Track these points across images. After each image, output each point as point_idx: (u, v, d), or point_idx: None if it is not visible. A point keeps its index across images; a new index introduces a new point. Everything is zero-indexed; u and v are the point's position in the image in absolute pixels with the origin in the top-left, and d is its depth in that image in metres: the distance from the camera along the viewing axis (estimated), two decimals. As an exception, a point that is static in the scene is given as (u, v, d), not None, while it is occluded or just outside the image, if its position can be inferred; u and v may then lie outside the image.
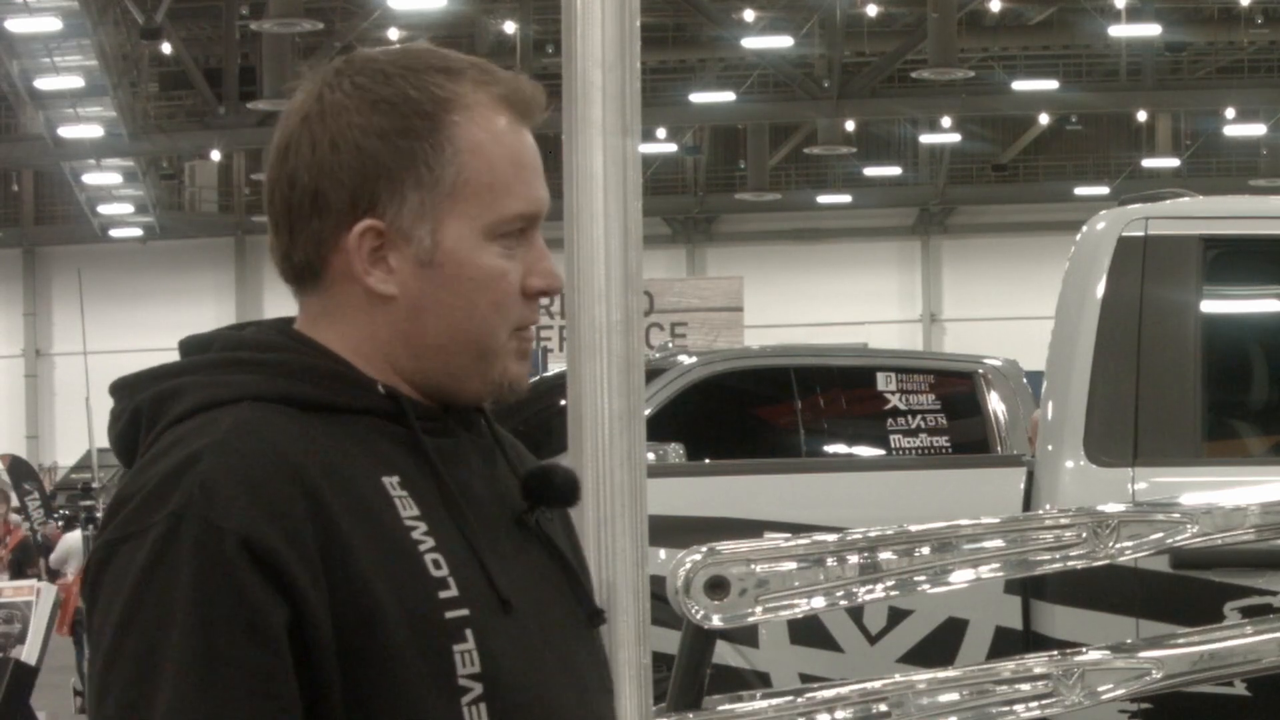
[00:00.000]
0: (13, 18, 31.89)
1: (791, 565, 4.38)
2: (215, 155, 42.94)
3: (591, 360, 3.14)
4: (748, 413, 10.42)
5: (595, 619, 2.07)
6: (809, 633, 5.45)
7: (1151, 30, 36.86)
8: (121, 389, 2.00)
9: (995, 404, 9.95)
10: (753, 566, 4.35)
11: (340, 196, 1.94)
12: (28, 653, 9.05)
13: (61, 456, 41.36)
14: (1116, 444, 5.45)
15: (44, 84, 35.06)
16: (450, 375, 1.98)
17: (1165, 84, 40.52)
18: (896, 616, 5.47)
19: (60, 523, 23.63)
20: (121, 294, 42.21)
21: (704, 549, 4.34)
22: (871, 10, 38.42)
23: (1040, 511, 5.22)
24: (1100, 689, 4.51)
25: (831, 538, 4.45)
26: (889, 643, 5.48)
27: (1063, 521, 4.52)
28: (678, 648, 4.42)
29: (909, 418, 10.03)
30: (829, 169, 44.48)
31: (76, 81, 34.67)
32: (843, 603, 4.51)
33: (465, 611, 1.89)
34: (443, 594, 1.88)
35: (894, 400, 10.06)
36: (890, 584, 4.45)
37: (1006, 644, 5.39)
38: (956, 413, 10.09)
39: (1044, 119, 43.36)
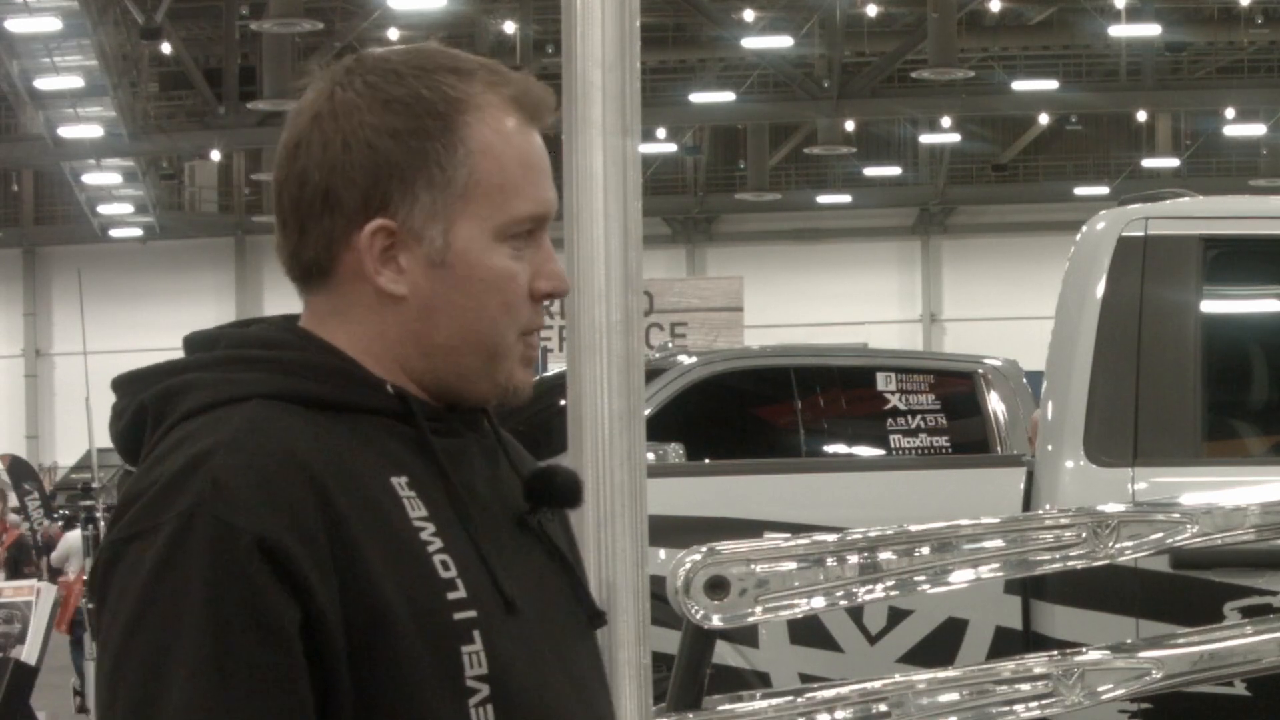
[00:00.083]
0: (13, 18, 31.89)
1: (791, 565, 4.38)
2: (215, 155, 42.95)
3: (591, 360, 3.14)
4: (748, 413, 10.42)
5: (596, 620, 2.07)
6: (809, 633, 5.45)
7: (1151, 30, 36.86)
8: (125, 385, 1.99)
9: (995, 404, 9.95)
10: (753, 566, 4.35)
11: (352, 195, 1.94)
12: (28, 653, 9.04)
13: (61, 456, 41.37)
14: (1116, 444, 5.45)
15: (44, 84, 35.06)
16: (458, 376, 1.98)
17: (1165, 84, 40.52)
18: (896, 616, 5.46)
19: (60, 523, 23.64)
20: (121, 294, 42.21)
21: (704, 549, 4.34)
22: (871, 10, 38.42)
23: (1040, 511, 5.21)
24: (1100, 689, 4.51)
25: (831, 538, 4.45)
26: (889, 643, 5.47)
27: (1063, 521, 4.52)
28: (678, 648, 4.42)
29: (909, 418, 10.03)
30: (829, 169, 44.48)
31: (76, 81, 34.68)
32: (843, 603, 4.51)
33: (473, 613, 1.89)
34: (451, 595, 1.88)
35: (894, 400, 10.06)
36: (890, 584, 4.45)
37: (1006, 644, 5.39)
38: (956, 413, 10.09)
39: (1044, 119, 43.36)
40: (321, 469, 1.86)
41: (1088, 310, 5.57)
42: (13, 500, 23.72)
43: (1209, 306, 5.63)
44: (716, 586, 4.31)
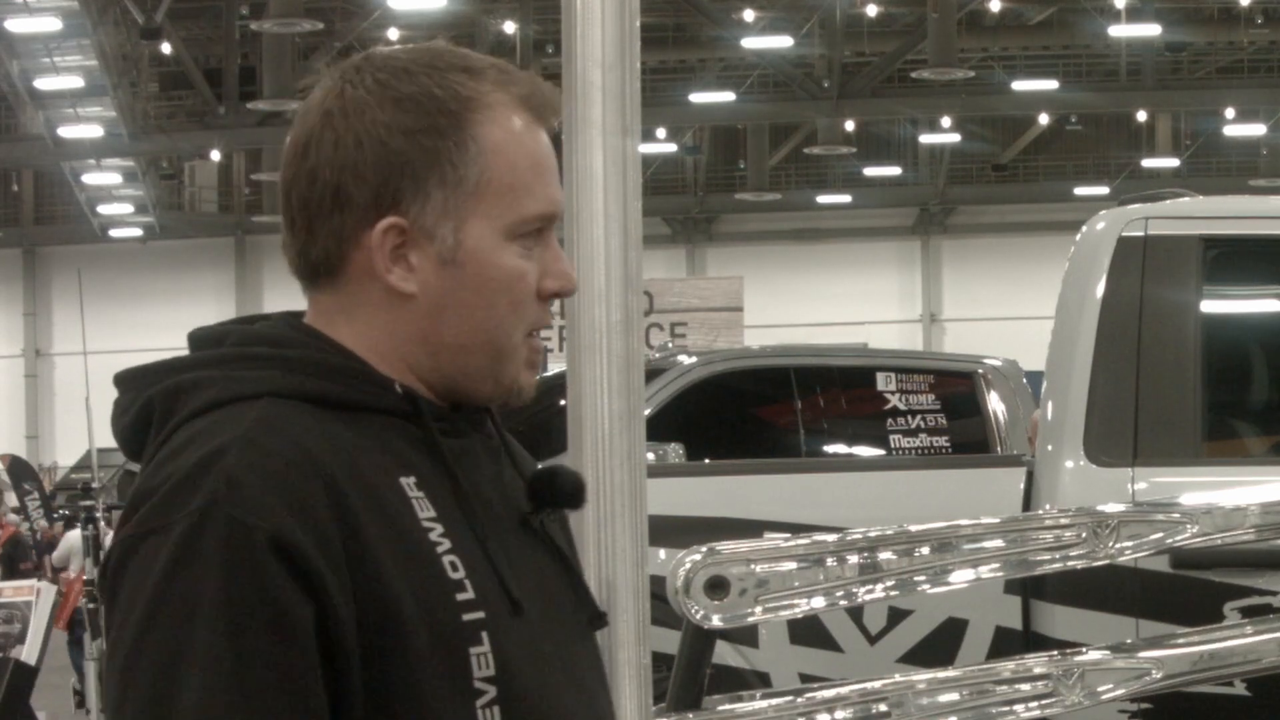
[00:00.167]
0: (13, 18, 31.89)
1: (791, 565, 4.38)
2: (215, 155, 42.94)
3: (591, 360, 3.14)
4: (748, 413, 10.42)
5: (597, 622, 2.07)
6: (809, 633, 5.45)
7: (1151, 30, 36.86)
8: (129, 381, 1.98)
9: (995, 404, 9.95)
10: (753, 566, 4.35)
11: (363, 193, 1.93)
12: (28, 653, 9.04)
13: (61, 456, 41.36)
14: (1116, 444, 5.45)
15: (44, 84, 35.07)
16: (465, 375, 1.98)
17: (1165, 84, 40.52)
18: (896, 616, 5.46)
19: (61, 522, 23.63)
20: (121, 294, 42.20)
21: (704, 549, 4.34)
22: (871, 10, 38.42)
23: (1040, 511, 5.21)
24: (1100, 689, 4.51)
25: (831, 538, 4.45)
26: (889, 643, 5.47)
27: (1063, 521, 4.52)
28: (678, 648, 4.42)
29: (909, 418, 10.03)
30: (829, 169, 44.48)
31: (76, 81, 34.68)
32: (843, 603, 4.51)
33: (481, 614, 1.88)
34: (460, 596, 1.88)
35: (894, 400, 10.06)
36: (890, 584, 4.45)
37: (1006, 644, 5.39)
38: (956, 413, 10.09)
39: (1044, 119, 43.35)
40: (334, 468, 1.85)
41: (1088, 310, 5.56)
42: (13, 500, 23.73)
43: (1209, 306, 5.63)
44: (716, 586, 4.31)
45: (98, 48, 33.25)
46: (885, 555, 4.43)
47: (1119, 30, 36.95)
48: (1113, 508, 4.59)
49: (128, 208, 42.41)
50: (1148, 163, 43.14)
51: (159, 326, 37.44)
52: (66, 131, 36.82)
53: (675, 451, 8.15)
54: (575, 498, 2.07)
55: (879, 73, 38.16)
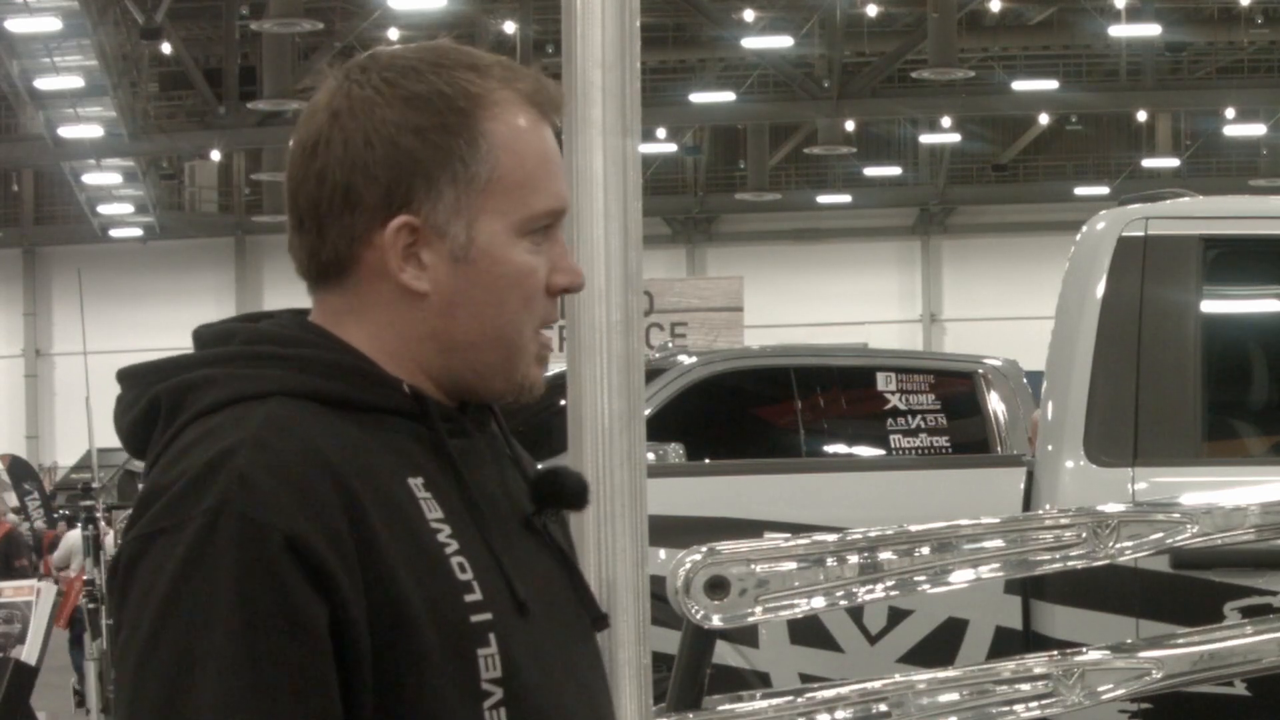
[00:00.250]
0: (13, 18, 31.89)
1: (791, 565, 4.38)
2: (215, 155, 42.95)
3: (591, 360, 3.15)
4: (748, 413, 10.41)
5: (600, 623, 2.07)
6: (809, 633, 5.45)
7: (1151, 30, 36.86)
8: (134, 377, 1.97)
9: (995, 404, 9.96)
10: (753, 566, 4.35)
11: (374, 192, 1.92)
12: (28, 653, 9.05)
13: (61, 456, 41.37)
14: (1116, 444, 5.45)
15: (44, 84, 35.07)
16: (476, 373, 1.97)
17: (1165, 84, 40.52)
18: (896, 616, 5.46)
19: (62, 521, 23.64)
20: (121, 294, 42.21)
21: (704, 549, 4.34)
22: (871, 10, 38.42)
23: (1040, 511, 5.21)
24: (1100, 689, 4.51)
25: (831, 538, 4.45)
26: (889, 643, 5.47)
27: (1063, 521, 4.52)
28: (678, 648, 4.42)
29: (909, 418, 10.03)
30: (829, 169, 44.48)
31: (76, 81, 34.68)
32: (843, 603, 4.51)
33: (489, 616, 1.88)
34: (468, 598, 1.87)
35: (894, 400, 10.06)
36: (890, 584, 4.45)
37: (1006, 644, 5.39)
38: (956, 413, 10.09)
39: (1044, 119, 43.36)
40: (345, 468, 1.85)
41: (1088, 310, 5.57)
42: (13, 500, 23.73)
43: (1209, 306, 5.63)
44: (716, 586, 4.31)
45: (98, 48, 33.25)
46: (885, 555, 4.43)
47: (1119, 30, 36.95)
48: (1113, 508, 4.59)
49: (128, 208, 42.42)
50: (1148, 163, 43.14)
51: (159, 326, 37.44)
52: (66, 131, 36.82)
53: (675, 451, 8.15)
54: (580, 499, 2.07)
55: (879, 73, 38.16)
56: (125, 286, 43.01)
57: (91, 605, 10.83)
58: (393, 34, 36.27)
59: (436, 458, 1.94)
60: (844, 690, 4.51)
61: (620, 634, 3.10)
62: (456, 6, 35.49)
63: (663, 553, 4.82)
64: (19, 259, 45.98)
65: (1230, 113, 40.78)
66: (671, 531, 5.08)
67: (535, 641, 1.93)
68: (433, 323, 1.95)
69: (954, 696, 4.50)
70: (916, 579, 4.47)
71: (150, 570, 1.80)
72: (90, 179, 40.68)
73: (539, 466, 2.09)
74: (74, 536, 16.34)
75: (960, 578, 4.49)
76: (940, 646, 5.41)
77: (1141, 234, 5.61)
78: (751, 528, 5.37)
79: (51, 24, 32.28)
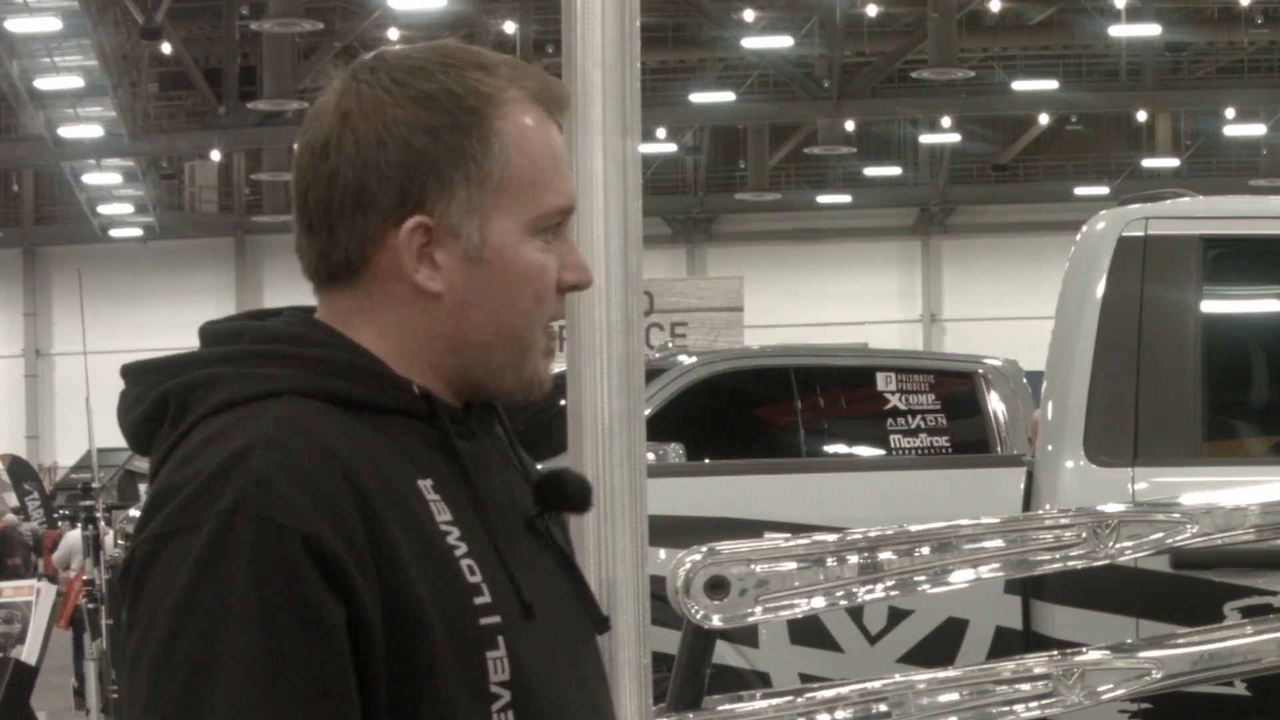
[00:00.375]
0: (13, 18, 31.89)
1: (791, 565, 4.38)
2: (215, 155, 42.95)
3: (591, 360, 3.15)
4: (748, 413, 10.42)
5: (601, 626, 2.07)
6: (809, 633, 5.45)
7: (1151, 30, 36.86)
8: (140, 374, 1.95)
9: (995, 404, 9.96)
10: (753, 566, 4.35)
11: (387, 193, 1.91)
12: (28, 653, 9.06)
13: (61, 456, 41.37)
14: (1116, 444, 5.45)
15: (44, 84, 35.06)
16: (487, 371, 1.97)
17: (1165, 84, 40.52)
18: (896, 616, 5.47)
19: (63, 522, 23.65)
20: (121, 294, 42.21)
21: (704, 549, 4.34)
22: (871, 10, 38.42)
23: (1040, 511, 5.21)
24: (1100, 689, 4.51)
25: (831, 538, 4.45)
26: (889, 643, 5.47)
27: (1063, 521, 4.52)
28: (678, 648, 4.42)
29: (909, 418, 10.04)
30: (829, 169, 44.48)
31: (76, 81, 34.68)
32: (843, 603, 4.51)
33: (497, 618, 1.88)
34: (477, 600, 1.87)
35: (894, 400, 10.06)
36: (890, 584, 4.45)
37: (1006, 644, 5.39)
38: (956, 413, 10.09)
39: (1044, 119, 43.36)
40: (358, 468, 1.84)
41: (1088, 310, 5.57)
42: (12, 500, 23.74)
43: (1209, 306, 5.63)
44: (716, 586, 4.31)
45: (98, 48, 33.25)
46: (885, 555, 4.43)
47: (1119, 30, 36.95)
48: (1113, 508, 4.59)
49: (128, 208, 42.42)
50: (1148, 163, 43.14)
51: (159, 326, 37.48)
52: (66, 131, 36.82)
53: (675, 451, 8.15)
54: (583, 502, 2.07)
55: (879, 73, 38.16)
56: (125, 286, 43.01)
57: (91, 605, 10.83)
58: (393, 34, 36.27)
59: (445, 459, 1.93)
60: (844, 690, 4.51)
61: (620, 634, 3.10)
62: (456, 6, 35.48)
63: (663, 553, 4.82)
64: (19, 259, 45.98)
65: (1230, 113, 40.78)
66: (671, 531, 5.08)
67: (541, 644, 1.93)
68: (446, 323, 1.94)
69: (954, 696, 4.50)
70: (916, 579, 4.47)
71: (165, 571, 1.79)
72: (90, 179, 40.68)
73: (540, 468, 2.08)
74: (74, 536, 16.34)
75: (960, 578, 4.49)
76: (940, 646, 5.41)
77: (1141, 234, 5.61)
78: (751, 528, 5.37)
79: (51, 24, 32.27)
